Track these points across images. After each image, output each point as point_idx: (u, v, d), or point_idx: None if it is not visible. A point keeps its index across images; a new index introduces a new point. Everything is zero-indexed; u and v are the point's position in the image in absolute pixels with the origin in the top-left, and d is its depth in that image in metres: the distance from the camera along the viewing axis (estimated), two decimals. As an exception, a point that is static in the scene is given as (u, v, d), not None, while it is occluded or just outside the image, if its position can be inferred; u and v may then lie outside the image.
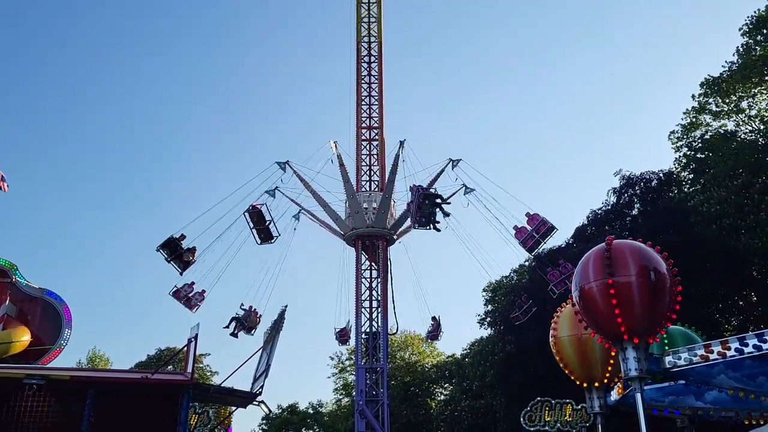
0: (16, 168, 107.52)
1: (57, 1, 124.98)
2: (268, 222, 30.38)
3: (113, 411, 15.96)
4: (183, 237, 29.08)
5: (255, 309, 30.53)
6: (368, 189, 36.35)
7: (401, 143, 35.73)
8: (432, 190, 29.01)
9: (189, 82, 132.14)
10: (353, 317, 34.54)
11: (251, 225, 30.15)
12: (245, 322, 30.03)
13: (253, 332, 30.43)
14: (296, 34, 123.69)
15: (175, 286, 29.48)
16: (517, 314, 32.24)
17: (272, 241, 30.91)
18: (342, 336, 35.43)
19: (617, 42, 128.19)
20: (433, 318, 35.87)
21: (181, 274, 29.24)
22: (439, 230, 28.66)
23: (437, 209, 27.77)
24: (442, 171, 34.60)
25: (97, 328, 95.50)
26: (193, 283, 29.64)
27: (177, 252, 28.72)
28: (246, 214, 30.03)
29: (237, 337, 30.02)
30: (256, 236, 30.43)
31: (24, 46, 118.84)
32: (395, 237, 35.38)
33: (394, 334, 36.11)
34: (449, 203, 28.77)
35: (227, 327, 30.05)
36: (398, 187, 35.91)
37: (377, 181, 36.47)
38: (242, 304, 30.42)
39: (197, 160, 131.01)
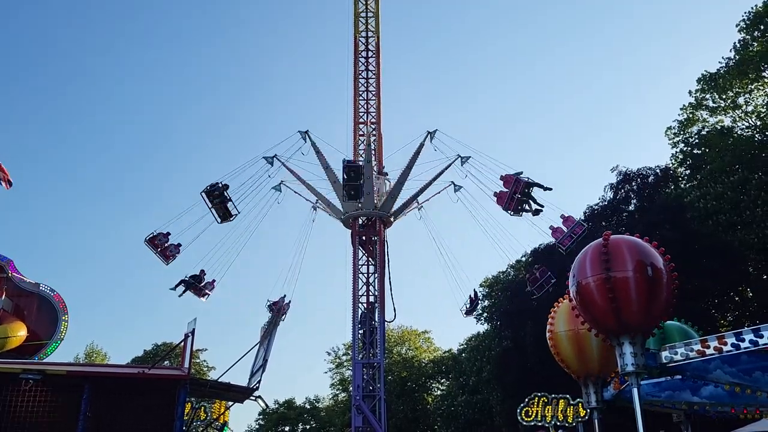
0: (13, 163, 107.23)
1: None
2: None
3: (110, 406, 15.93)
4: (227, 186, 29.86)
5: (204, 272, 30.61)
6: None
7: (430, 134, 35.13)
8: (527, 179, 29.99)
9: (185, 78, 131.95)
10: (350, 310, 34.43)
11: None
12: (196, 282, 30.18)
13: (206, 298, 30.79)
14: (294, 29, 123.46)
15: (153, 231, 29.66)
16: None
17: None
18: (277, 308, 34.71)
19: (614, 38, 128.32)
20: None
21: (221, 222, 30.53)
22: (537, 213, 30.13)
23: (530, 199, 29.69)
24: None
25: (94, 323, 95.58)
26: (168, 233, 29.87)
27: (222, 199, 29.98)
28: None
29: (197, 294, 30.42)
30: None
31: (19, 44, 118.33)
32: (392, 219, 35.50)
33: (391, 321, 35.98)
34: (551, 189, 29.94)
35: (174, 289, 30.10)
36: (387, 168, 35.92)
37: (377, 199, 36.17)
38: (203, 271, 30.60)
39: (194, 156, 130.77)
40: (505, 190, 30.35)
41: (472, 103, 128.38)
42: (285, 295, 33.27)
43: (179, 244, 30.05)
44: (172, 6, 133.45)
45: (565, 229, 30.04)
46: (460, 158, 34.16)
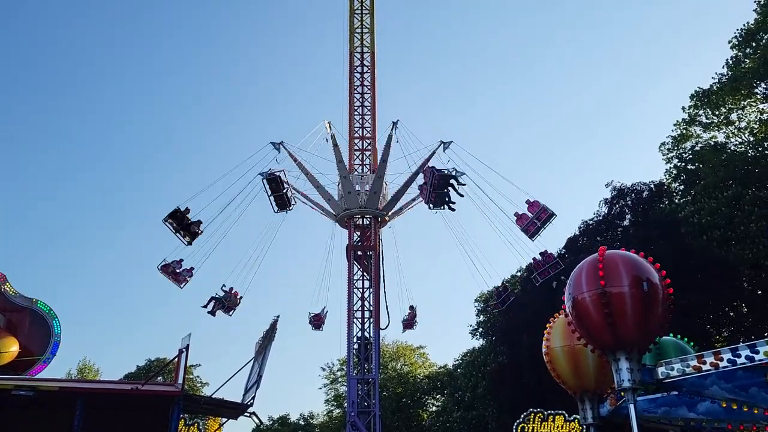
0: (4, 176, 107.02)
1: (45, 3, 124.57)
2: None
3: (103, 422, 15.80)
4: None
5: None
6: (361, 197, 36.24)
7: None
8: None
9: (178, 88, 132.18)
10: (343, 324, 34.36)
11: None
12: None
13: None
14: (291, 38, 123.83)
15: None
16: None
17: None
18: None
19: (608, 52, 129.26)
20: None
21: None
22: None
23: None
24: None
25: (87, 338, 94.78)
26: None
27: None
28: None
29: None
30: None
31: (11, 52, 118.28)
32: (387, 218, 35.59)
33: (385, 328, 35.96)
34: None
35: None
36: (391, 170, 36.11)
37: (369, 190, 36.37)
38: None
39: (189, 166, 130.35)
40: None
41: (463, 114, 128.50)
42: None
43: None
44: (171, 12, 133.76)
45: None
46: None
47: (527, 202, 29.68)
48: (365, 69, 37.85)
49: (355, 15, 38.04)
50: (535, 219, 29.29)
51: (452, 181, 29.23)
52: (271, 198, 30.85)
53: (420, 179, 34.93)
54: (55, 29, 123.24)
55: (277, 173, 30.65)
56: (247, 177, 32.68)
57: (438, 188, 29.34)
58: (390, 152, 35.21)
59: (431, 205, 30.33)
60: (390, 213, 35.67)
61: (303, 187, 35.25)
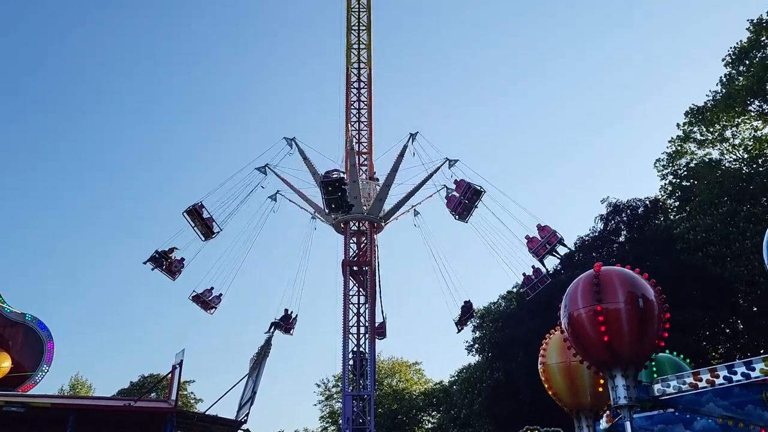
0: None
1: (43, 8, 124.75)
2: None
3: (95, 439, 15.65)
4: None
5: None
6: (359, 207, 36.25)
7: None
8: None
9: (174, 96, 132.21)
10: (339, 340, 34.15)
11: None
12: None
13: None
14: (288, 46, 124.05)
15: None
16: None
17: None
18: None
19: (604, 67, 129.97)
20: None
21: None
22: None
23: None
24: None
25: (79, 354, 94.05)
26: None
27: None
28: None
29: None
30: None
31: (6, 61, 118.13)
32: (383, 225, 35.77)
33: (381, 331, 35.66)
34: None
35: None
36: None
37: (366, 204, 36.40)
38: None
39: (185, 176, 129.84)
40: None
41: (465, 119, 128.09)
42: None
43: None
44: (173, 15, 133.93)
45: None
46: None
47: (538, 226, 30.71)
48: (362, 85, 37.99)
49: (352, 31, 38.23)
50: (546, 243, 30.35)
51: (480, 197, 31.12)
52: (327, 200, 31.31)
53: (417, 192, 35.49)
54: (60, 29, 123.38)
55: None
56: (252, 178, 33.80)
57: (469, 202, 30.87)
58: (401, 162, 35.57)
59: (456, 216, 31.72)
60: (388, 219, 35.87)
61: (301, 185, 35.77)
